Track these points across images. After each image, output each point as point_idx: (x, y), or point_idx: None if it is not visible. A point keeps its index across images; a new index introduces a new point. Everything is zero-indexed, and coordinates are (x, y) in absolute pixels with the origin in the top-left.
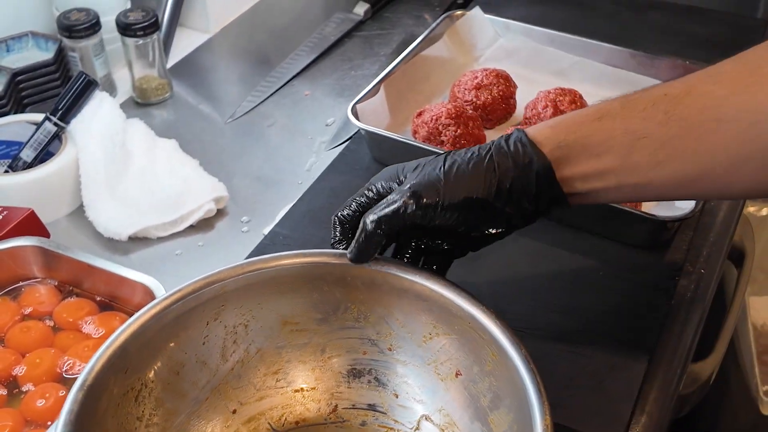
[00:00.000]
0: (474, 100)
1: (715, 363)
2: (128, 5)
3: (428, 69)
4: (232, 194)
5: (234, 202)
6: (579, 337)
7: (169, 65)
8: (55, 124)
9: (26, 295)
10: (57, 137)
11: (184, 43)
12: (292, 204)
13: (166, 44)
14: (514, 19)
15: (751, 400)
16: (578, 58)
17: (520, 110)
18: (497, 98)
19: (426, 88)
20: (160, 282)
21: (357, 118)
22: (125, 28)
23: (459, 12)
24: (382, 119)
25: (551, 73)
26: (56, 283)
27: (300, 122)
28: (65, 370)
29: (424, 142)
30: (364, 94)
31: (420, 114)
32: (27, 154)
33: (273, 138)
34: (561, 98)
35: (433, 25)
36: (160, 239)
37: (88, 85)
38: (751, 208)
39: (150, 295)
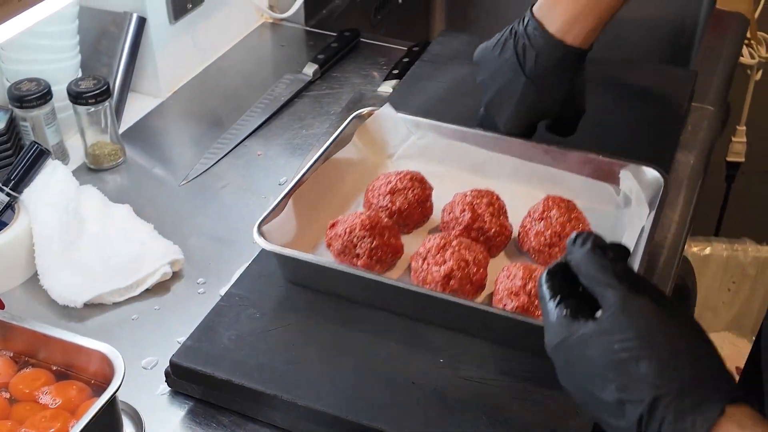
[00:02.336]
0: (389, 205)
1: None
2: (79, 74)
3: (339, 174)
4: (187, 256)
5: (189, 264)
6: (534, 381)
7: (121, 130)
8: (8, 194)
9: None
10: (10, 207)
11: (136, 108)
12: (247, 264)
13: (118, 110)
14: (429, 111)
15: None
16: (492, 154)
17: (437, 212)
18: (413, 203)
19: (339, 195)
20: (117, 348)
21: (264, 237)
22: (77, 97)
23: (367, 110)
24: (293, 235)
25: (466, 170)
26: (11, 354)
27: (253, 182)
28: None
29: (338, 256)
30: (270, 212)
31: (333, 225)
32: None
33: (227, 198)
34: (478, 201)
35: (342, 126)
36: (116, 305)
37: (40, 155)
38: (694, 248)
39: (107, 363)
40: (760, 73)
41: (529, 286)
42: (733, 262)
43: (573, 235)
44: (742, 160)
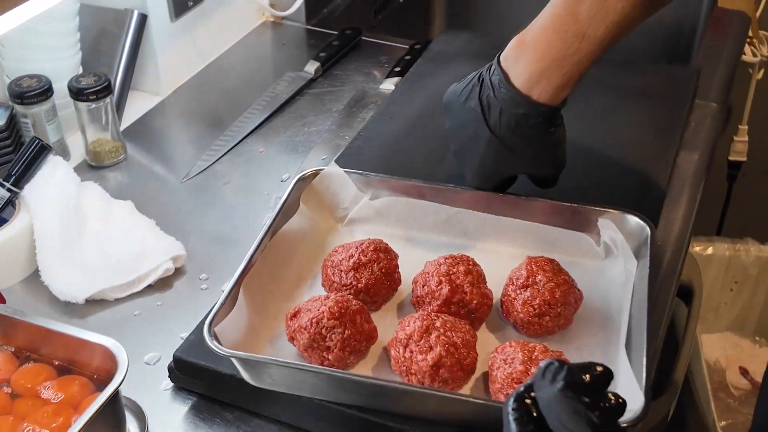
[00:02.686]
0: (354, 283)
1: (671, 400)
2: (80, 71)
3: (289, 248)
4: (189, 253)
5: (192, 260)
6: None
7: (122, 128)
8: (9, 189)
9: None
10: (10, 203)
11: (137, 106)
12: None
13: (119, 108)
14: (432, 109)
15: None
16: (455, 210)
17: (405, 282)
18: (380, 277)
19: (291, 273)
20: (120, 344)
21: (218, 342)
22: (77, 93)
23: (311, 171)
24: (246, 329)
25: (429, 230)
26: (13, 350)
27: (255, 179)
28: None
29: (305, 351)
30: (221, 305)
31: (295, 315)
32: None
33: (229, 196)
34: (454, 270)
35: (285, 195)
36: (118, 301)
37: (42, 150)
38: (696, 248)
39: (110, 357)
40: (761, 71)
41: (533, 371)
42: (735, 261)
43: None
44: (744, 159)
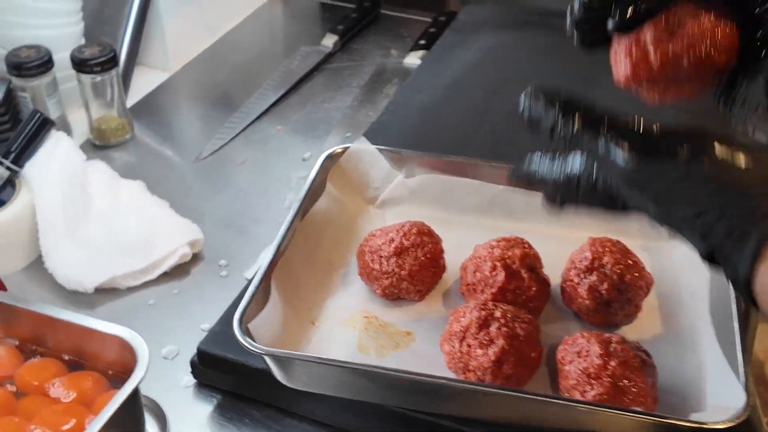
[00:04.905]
0: (396, 270)
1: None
2: (82, 41)
3: (317, 233)
4: (206, 237)
5: (209, 246)
6: None
7: (128, 106)
8: (8, 168)
9: None
10: (9, 183)
11: (142, 82)
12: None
13: (125, 82)
14: (461, 78)
15: None
16: (500, 188)
17: (449, 269)
18: (425, 263)
19: (321, 261)
20: None
21: (253, 339)
22: (80, 64)
23: (339, 148)
24: (283, 328)
25: (471, 211)
26: (17, 343)
27: (273, 159)
28: None
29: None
30: (248, 302)
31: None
32: None
33: (245, 176)
34: (509, 254)
35: (312, 174)
36: (130, 289)
37: (44, 125)
38: None
39: (127, 350)
40: None
41: (612, 365)
42: None
43: None
44: None
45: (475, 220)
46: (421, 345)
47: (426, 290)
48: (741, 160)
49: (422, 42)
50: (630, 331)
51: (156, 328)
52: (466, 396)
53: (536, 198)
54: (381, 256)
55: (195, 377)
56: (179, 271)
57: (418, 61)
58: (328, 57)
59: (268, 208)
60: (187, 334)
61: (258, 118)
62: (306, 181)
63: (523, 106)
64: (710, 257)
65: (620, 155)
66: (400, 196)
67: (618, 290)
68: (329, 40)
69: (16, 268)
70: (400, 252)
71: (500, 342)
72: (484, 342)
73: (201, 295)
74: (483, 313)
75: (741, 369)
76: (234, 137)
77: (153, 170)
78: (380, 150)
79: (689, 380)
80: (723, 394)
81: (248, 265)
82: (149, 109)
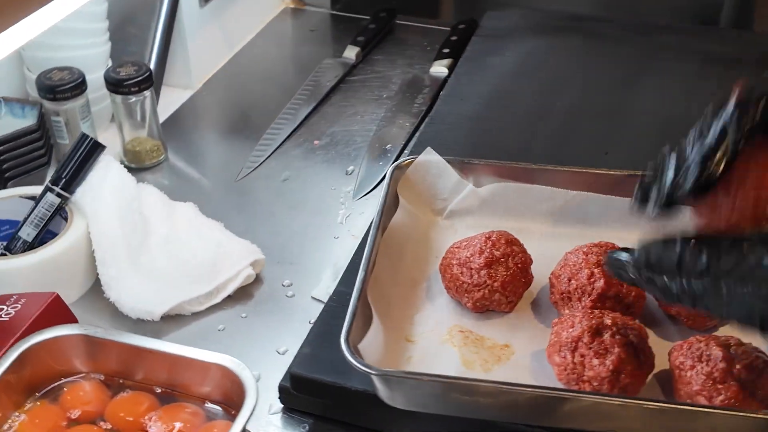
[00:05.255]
0: (488, 282)
1: None
2: (109, 63)
3: (397, 248)
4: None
5: (269, 266)
6: None
7: None
8: (58, 194)
9: (69, 394)
10: (59, 210)
11: (166, 102)
12: (348, 260)
13: None
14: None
15: None
16: (573, 193)
17: (538, 279)
18: (516, 273)
19: (404, 276)
20: None
21: (361, 357)
22: (116, 85)
23: (407, 160)
24: (383, 346)
25: (544, 218)
26: (102, 377)
27: (317, 173)
28: None
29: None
30: (351, 321)
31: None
32: (27, 233)
33: (293, 193)
34: (601, 257)
35: (384, 187)
36: (195, 315)
37: (94, 149)
38: None
39: (229, 378)
40: None
41: (737, 368)
42: None
43: None
44: None
45: (550, 227)
46: (522, 357)
47: (516, 301)
48: None
49: (446, 51)
50: (729, 333)
51: (230, 354)
52: (590, 408)
53: (610, 203)
54: (471, 268)
55: (283, 402)
56: (243, 294)
57: (445, 70)
58: (352, 69)
59: (321, 223)
60: (266, 359)
61: (292, 133)
62: (380, 196)
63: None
64: None
65: None
66: (470, 206)
67: None
68: (351, 52)
69: (70, 299)
70: (491, 263)
71: (616, 350)
72: (600, 352)
73: (271, 318)
74: (594, 321)
75: None
76: (271, 153)
77: (193, 192)
78: (447, 160)
79: None
80: None
81: (313, 284)
82: (176, 129)
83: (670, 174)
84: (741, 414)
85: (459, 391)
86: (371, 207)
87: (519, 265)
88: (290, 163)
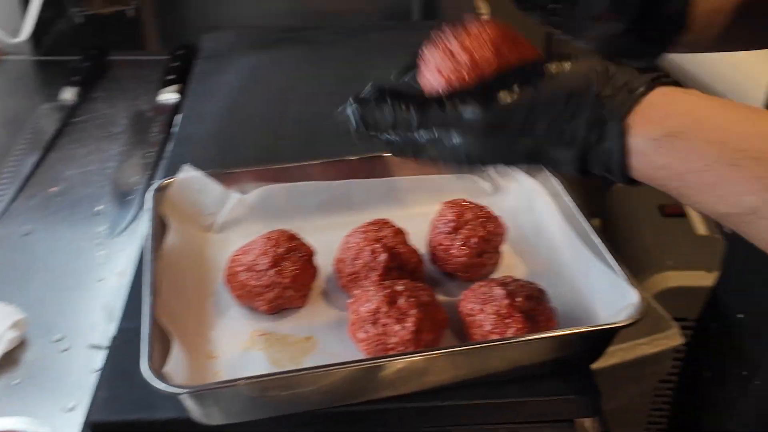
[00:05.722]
0: (279, 280)
1: None
2: None
3: (176, 268)
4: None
5: (35, 325)
6: None
7: None
8: None
9: None
10: None
11: None
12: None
13: None
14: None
15: None
16: (337, 183)
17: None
18: (304, 265)
19: (191, 294)
20: None
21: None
22: None
23: (167, 180)
24: (188, 368)
25: (315, 212)
26: None
27: (63, 220)
28: None
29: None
30: (150, 347)
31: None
32: None
33: (40, 244)
34: (382, 233)
35: (149, 211)
36: None
37: None
38: None
39: None
40: None
41: (518, 300)
42: None
43: None
44: None
45: (321, 219)
46: (327, 345)
47: (308, 294)
48: (568, 66)
49: (171, 77)
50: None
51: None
52: (403, 370)
53: (371, 185)
54: (258, 271)
55: None
56: (10, 360)
57: (176, 96)
58: (73, 111)
59: (81, 270)
60: (52, 421)
61: (22, 187)
62: (147, 222)
63: (354, 115)
64: (582, 168)
65: (469, 111)
66: (240, 215)
67: (485, 240)
68: (68, 94)
69: None
70: (277, 261)
71: (414, 312)
72: (399, 317)
73: (47, 377)
74: (387, 291)
75: (619, 272)
76: (6, 209)
77: None
78: (208, 174)
79: (578, 301)
80: (615, 298)
81: (86, 332)
82: None
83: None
84: (532, 338)
85: (278, 387)
86: (132, 241)
87: (304, 258)
88: (29, 216)
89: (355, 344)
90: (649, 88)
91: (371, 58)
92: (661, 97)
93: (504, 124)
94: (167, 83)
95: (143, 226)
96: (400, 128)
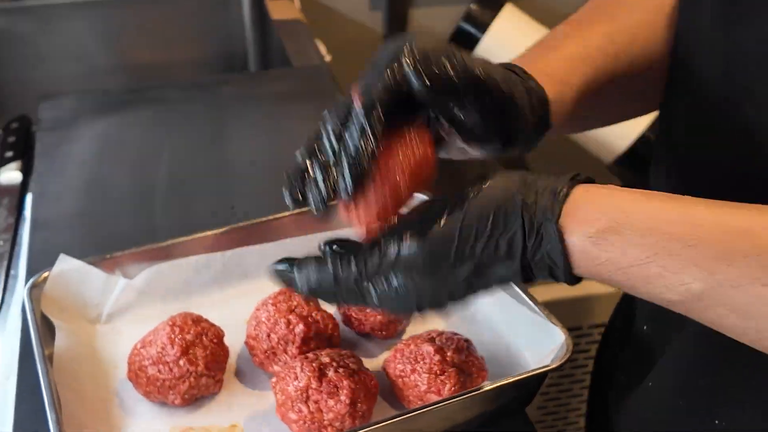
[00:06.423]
0: (191, 369)
1: None
2: None
3: (75, 377)
4: None
5: None
6: None
7: None
8: None
9: None
10: None
11: None
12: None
13: None
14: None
15: None
16: (229, 253)
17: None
18: (215, 349)
19: (95, 399)
20: None
21: None
22: None
23: (41, 275)
24: None
25: (210, 286)
26: None
27: None
28: None
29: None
30: None
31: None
32: None
33: None
34: (293, 303)
35: (29, 311)
36: None
37: None
38: None
39: None
40: None
41: (449, 355)
42: None
43: None
44: None
45: (218, 293)
46: (255, 429)
47: (222, 378)
48: (486, 183)
49: (9, 154)
50: (420, 332)
51: None
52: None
53: (263, 251)
54: (167, 362)
55: None
56: None
57: (18, 175)
58: None
59: None
60: None
61: None
62: (29, 324)
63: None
64: (527, 277)
65: (405, 247)
66: (128, 301)
67: None
68: None
69: None
70: (187, 348)
71: (346, 383)
72: (332, 391)
73: None
74: (314, 365)
75: (538, 311)
76: None
77: None
78: (87, 262)
79: (500, 345)
80: (539, 337)
81: None
82: None
83: (319, 174)
84: (472, 394)
85: None
86: (4, 339)
87: (214, 341)
88: None
89: (288, 425)
90: (571, 187)
91: (226, 114)
92: (584, 194)
93: (442, 252)
94: (5, 161)
95: (11, 322)
96: (343, 286)
